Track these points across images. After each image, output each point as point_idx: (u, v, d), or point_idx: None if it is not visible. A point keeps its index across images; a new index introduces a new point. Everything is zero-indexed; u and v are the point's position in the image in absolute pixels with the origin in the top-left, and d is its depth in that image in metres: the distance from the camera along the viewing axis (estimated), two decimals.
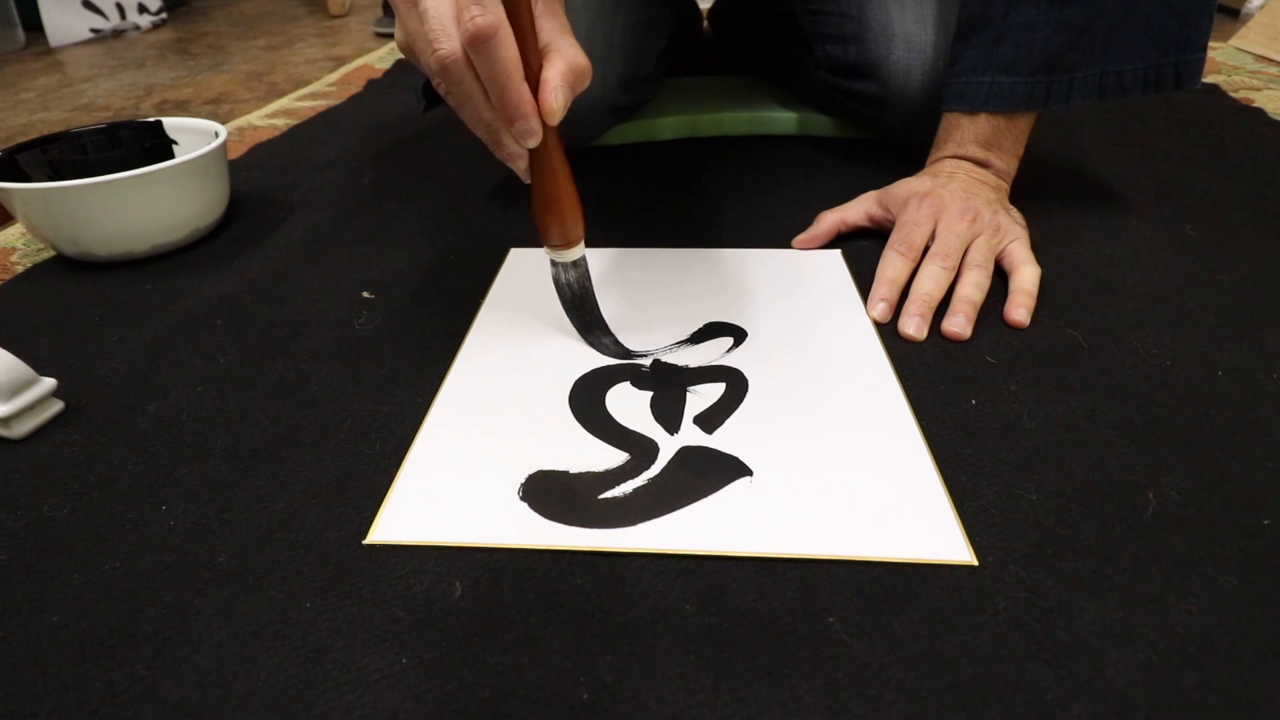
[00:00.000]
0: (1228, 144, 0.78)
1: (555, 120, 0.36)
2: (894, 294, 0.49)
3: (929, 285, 0.49)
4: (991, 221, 0.52)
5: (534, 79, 0.36)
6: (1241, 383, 0.42)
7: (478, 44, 0.33)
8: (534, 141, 0.37)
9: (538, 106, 0.36)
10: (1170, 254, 0.56)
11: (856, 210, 0.58)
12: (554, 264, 0.44)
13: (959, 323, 0.46)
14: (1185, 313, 0.49)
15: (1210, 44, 1.22)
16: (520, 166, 0.39)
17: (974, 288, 0.49)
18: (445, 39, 0.34)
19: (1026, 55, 0.54)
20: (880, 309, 0.48)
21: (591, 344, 0.46)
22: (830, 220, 0.58)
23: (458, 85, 0.35)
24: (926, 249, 0.51)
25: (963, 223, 0.51)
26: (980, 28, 0.56)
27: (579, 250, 0.43)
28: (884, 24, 0.68)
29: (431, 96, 0.61)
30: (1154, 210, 0.63)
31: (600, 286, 0.47)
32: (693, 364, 0.44)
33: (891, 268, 0.50)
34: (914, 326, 0.47)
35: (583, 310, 0.45)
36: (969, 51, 0.56)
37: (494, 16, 0.33)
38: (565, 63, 0.36)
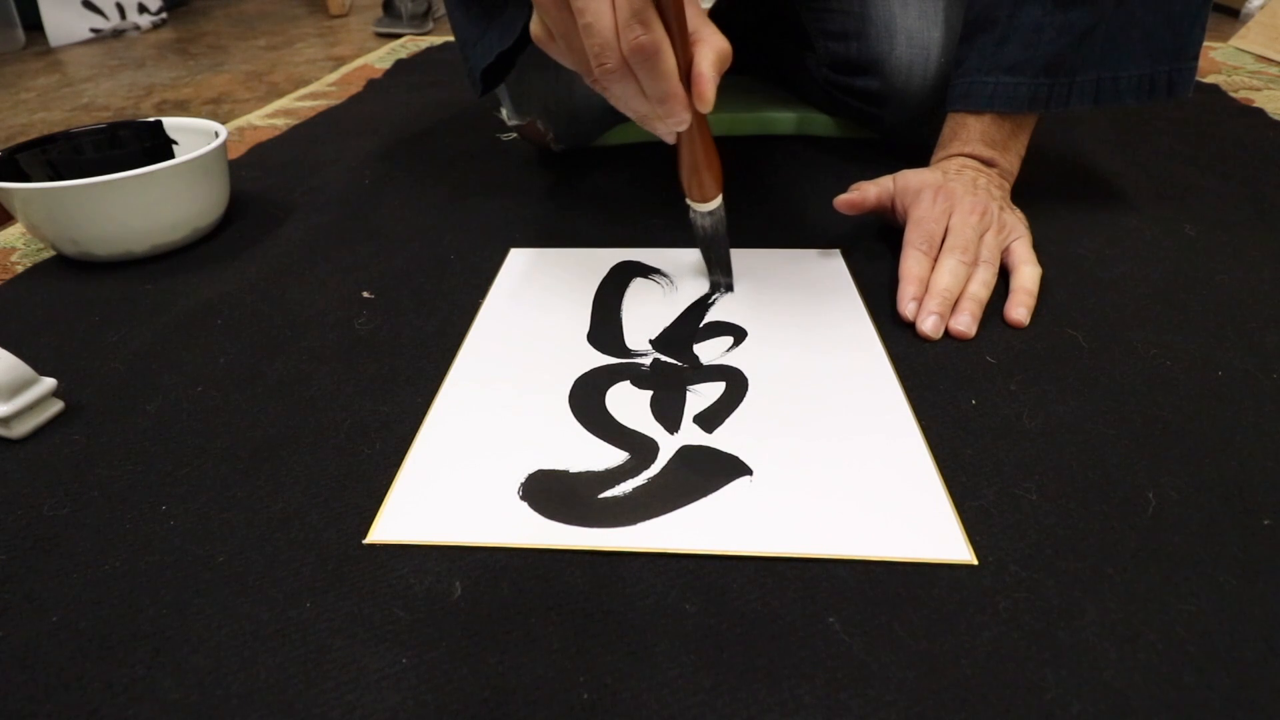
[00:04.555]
0: (1228, 144, 0.78)
1: (709, 109, 0.41)
2: (924, 291, 0.48)
3: (948, 280, 0.48)
4: (999, 218, 0.52)
5: (684, 68, 0.40)
6: (1241, 383, 0.42)
7: (640, 59, 0.37)
8: (684, 128, 0.42)
9: (689, 98, 0.40)
10: (1170, 254, 0.56)
11: (878, 190, 0.57)
12: (693, 211, 0.50)
13: (965, 321, 0.46)
14: (1185, 313, 0.49)
15: (1210, 44, 1.23)
16: (670, 140, 0.44)
17: (981, 285, 0.48)
18: (610, 54, 0.37)
19: (1031, 57, 0.54)
20: (912, 308, 0.47)
21: (711, 279, 0.53)
22: (873, 193, 0.56)
23: (619, 86, 0.39)
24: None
25: (974, 215, 0.51)
26: (986, 29, 0.56)
27: (716, 202, 0.49)
28: (886, 20, 0.68)
29: (489, 83, 0.62)
30: (1154, 210, 0.63)
31: (601, 286, 0.47)
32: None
33: (917, 265, 0.49)
34: (931, 325, 0.46)
35: (713, 249, 0.51)
36: (974, 53, 0.57)
37: (656, 35, 0.37)
38: (714, 52, 0.40)
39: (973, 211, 0.51)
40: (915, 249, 0.51)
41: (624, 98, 0.41)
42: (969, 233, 0.50)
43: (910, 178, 0.56)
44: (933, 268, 0.50)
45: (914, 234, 0.51)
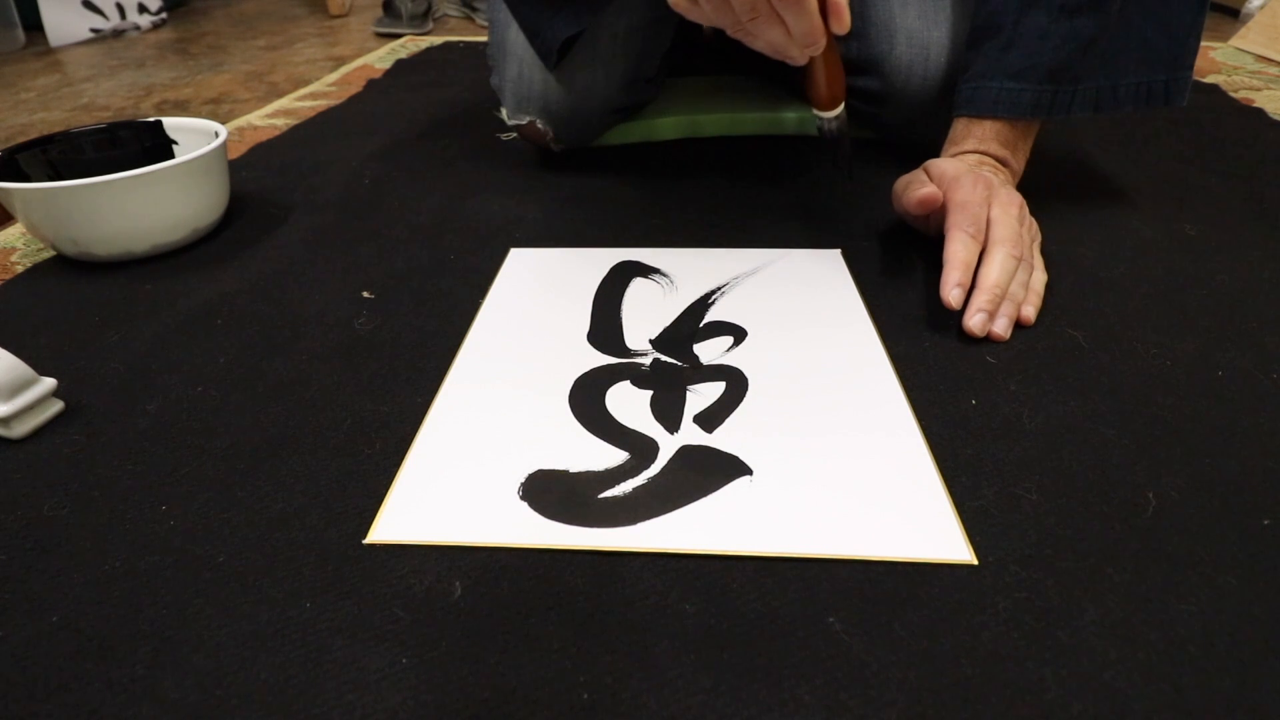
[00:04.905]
0: (1228, 144, 0.78)
1: (846, 30, 0.46)
2: (969, 279, 0.47)
3: (998, 274, 0.47)
4: (1028, 215, 0.52)
5: None
6: (1241, 383, 0.42)
7: (787, 6, 0.43)
8: (819, 52, 0.47)
9: (826, 25, 0.45)
10: (1170, 254, 0.56)
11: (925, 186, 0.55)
12: (820, 119, 0.56)
13: (1004, 325, 0.46)
14: (1185, 313, 0.49)
15: (1210, 44, 1.23)
16: (800, 63, 0.49)
17: (1021, 286, 0.48)
18: (760, 7, 0.43)
19: (1035, 64, 0.54)
20: (956, 294, 0.46)
21: (840, 175, 0.61)
22: (931, 185, 0.53)
23: (766, 31, 0.45)
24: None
25: (1014, 208, 0.51)
26: (991, 35, 0.56)
27: (839, 109, 0.56)
28: (886, 20, 0.68)
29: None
30: (1154, 210, 0.63)
31: (601, 286, 0.47)
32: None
33: (964, 249, 0.48)
34: (978, 323, 0.45)
35: (840, 148, 0.58)
36: (980, 59, 0.57)
37: None
38: None
39: (1011, 204, 0.51)
40: (963, 231, 0.49)
41: (767, 39, 0.45)
42: (1014, 224, 0.50)
43: (944, 165, 0.55)
44: (979, 254, 0.48)
45: (960, 217, 0.49)
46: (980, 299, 0.46)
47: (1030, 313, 0.47)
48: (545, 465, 0.37)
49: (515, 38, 0.68)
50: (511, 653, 0.28)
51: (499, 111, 0.73)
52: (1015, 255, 0.48)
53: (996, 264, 0.47)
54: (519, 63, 0.68)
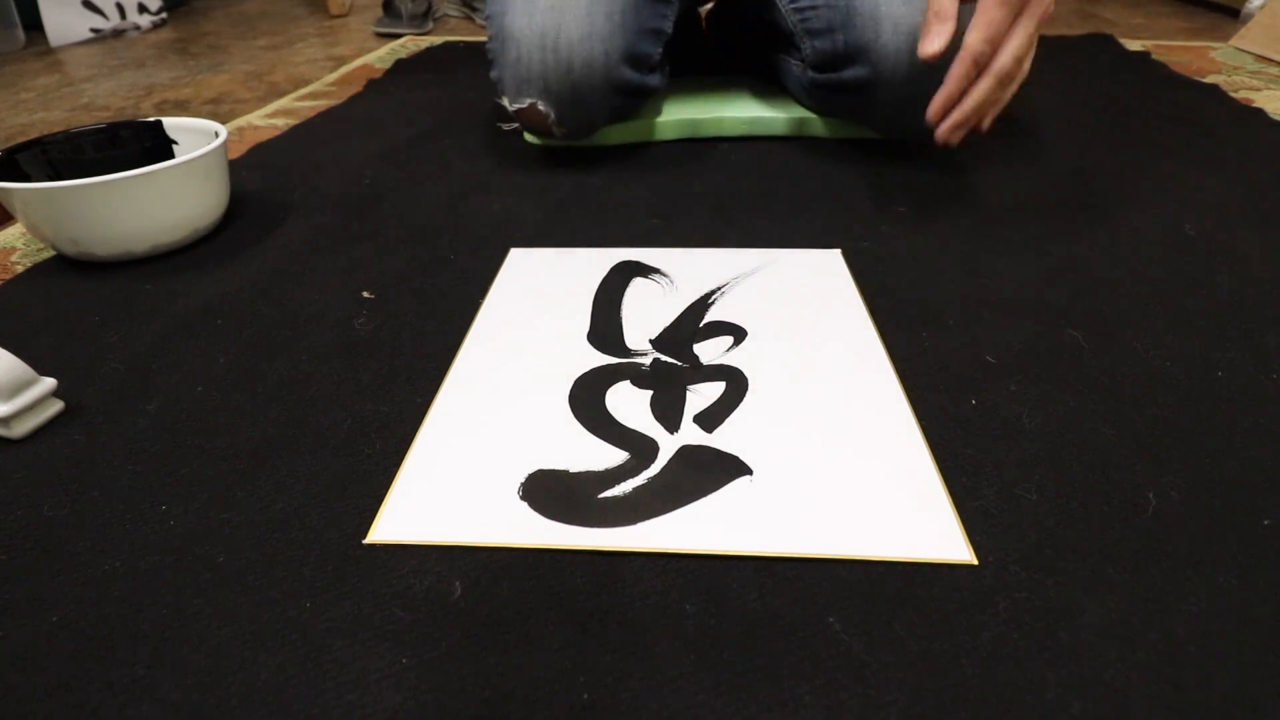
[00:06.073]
0: (1228, 144, 0.78)
1: None
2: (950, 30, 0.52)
3: (972, 105, 0.53)
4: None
5: None
6: (1241, 383, 0.42)
7: None
8: None
9: None
10: (1170, 254, 0.56)
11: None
12: None
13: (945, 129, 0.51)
14: (1185, 313, 0.49)
15: (1210, 44, 1.23)
16: None
17: (1011, 57, 0.52)
18: None
19: None
20: (935, 40, 0.52)
21: None
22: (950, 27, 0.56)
23: None
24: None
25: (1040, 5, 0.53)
26: None
27: None
28: (871, 9, 0.68)
29: None
30: (1154, 210, 0.63)
31: (601, 286, 0.47)
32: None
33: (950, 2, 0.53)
34: (946, 135, 0.51)
35: None
36: None
37: None
38: None
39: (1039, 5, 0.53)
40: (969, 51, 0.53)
41: None
42: (1022, 45, 0.52)
43: None
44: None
45: (972, 35, 0.53)
46: (956, 116, 0.53)
47: (987, 123, 0.53)
48: (545, 465, 0.37)
49: (513, 23, 0.68)
50: (511, 653, 0.28)
51: (500, 99, 0.73)
52: (1003, 83, 0.53)
53: (978, 91, 0.53)
54: (517, 45, 0.68)
